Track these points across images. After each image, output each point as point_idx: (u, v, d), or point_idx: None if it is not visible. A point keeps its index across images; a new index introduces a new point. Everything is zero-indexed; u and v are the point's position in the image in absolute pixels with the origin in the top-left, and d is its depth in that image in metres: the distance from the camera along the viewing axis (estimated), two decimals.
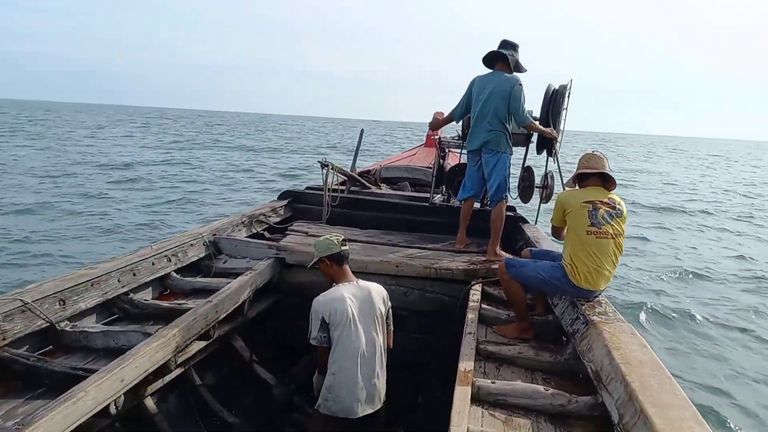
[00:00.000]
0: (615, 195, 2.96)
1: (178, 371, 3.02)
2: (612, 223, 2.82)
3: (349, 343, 2.71)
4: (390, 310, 3.01)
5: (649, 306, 7.33)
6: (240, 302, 3.52)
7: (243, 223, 4.88)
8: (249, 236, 4.76)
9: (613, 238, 2.81)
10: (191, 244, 4.04)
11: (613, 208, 2.86)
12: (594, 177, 2.99)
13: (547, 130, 4.44)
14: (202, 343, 3.19)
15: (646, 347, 2.26)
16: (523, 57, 4.37)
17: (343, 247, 2.93)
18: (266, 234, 5.02)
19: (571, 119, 4.66)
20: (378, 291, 2.93)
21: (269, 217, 5.32)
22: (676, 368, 5.34)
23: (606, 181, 2.98)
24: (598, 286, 2.84)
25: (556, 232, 3.19)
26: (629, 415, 1.84)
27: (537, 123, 4.46)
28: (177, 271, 3.81)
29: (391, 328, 3.04)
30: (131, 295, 3.31)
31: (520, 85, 4.21)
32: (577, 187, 3.08)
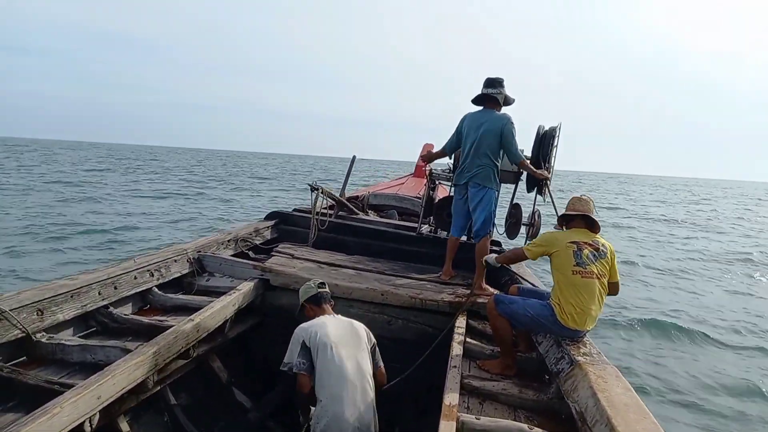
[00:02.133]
0: (600, 237, 3.06)
1: (155, 389, 2.95)
2: (596, 263, 2.90)
3: (334, 368, 2.68)
4: (375, 347, 3.01)
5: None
6: (221, 322, 3.46)
7: (228, 241, 4.83)
8: (234, 255, 4.71)
9: (598, 279, 2.88)
10: (175, 260, 3.99)
11: (597, 249, 2.95)
12: (578, 220, 3.09)
13: (538, 171, 4.51)
14: (181, 362, 3.12)
15: (630, 391, 2.27)
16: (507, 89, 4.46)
17: (320, 289, 3.07)
18: (251, 254, 4.97)
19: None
20: (360, 325, 2.99)
21: (255, 237, 5.28)
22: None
23: (591, 225, 3.08)
24: (584, 326, 2.87)
25: (517, 257, 3.37)
26: None
27: (528, 162, 4.53)
28: (159, 286, 3.74)
29: (380, 364, 3.02)
30: (111, 308, 3.24)
31: (512, 123, 4.31)
32: (563, 229, 3.15)
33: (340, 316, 3.03)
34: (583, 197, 3.18)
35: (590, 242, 2.97)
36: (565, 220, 3.17)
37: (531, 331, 3.25)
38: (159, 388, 3.08)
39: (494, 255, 3.69)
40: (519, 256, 3.33)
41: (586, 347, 2.83)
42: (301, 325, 2.87)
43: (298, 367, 2.72)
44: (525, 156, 4.80)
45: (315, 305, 3.04)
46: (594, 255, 2.92)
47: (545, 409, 2.64)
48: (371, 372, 2.85)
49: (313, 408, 2.75)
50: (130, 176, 32.90)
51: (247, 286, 3.86)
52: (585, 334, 2.94)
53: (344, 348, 2.76)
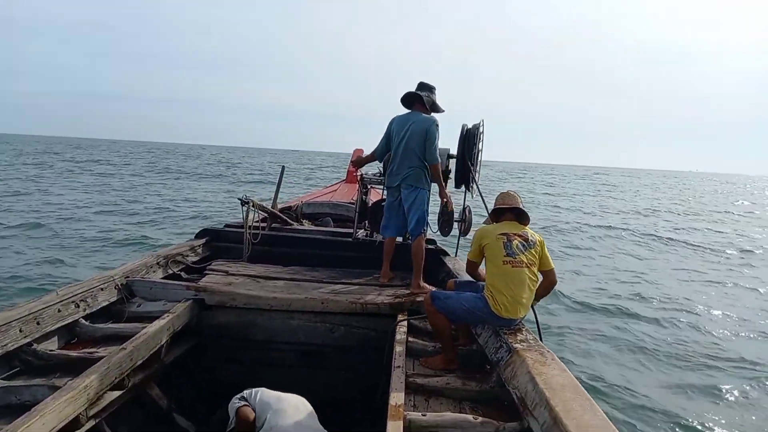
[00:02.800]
0: (529, 229, 3.20)
1: (89, 425, 2.79)
2: (525, 253, 3.02)
3: (274, 395, 2.76)
4: None
5: None
6: (156, 348, 3.33)
7: (158, 263, 4.65)
8: (165, 277, 4.54)
9: (528, 267, 3.00)
10: (101, 288, 3.79)
11: (526, 240, 3.08)
12: (509, 213, 3.22)
13: (443, 186, 4.69)
14: (116, 394, 2.97)
15: (566, 371, 2.38)
16: (440, 98, 4.59)
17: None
18: (183, 275, 4.80)
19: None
20: None
21: (186, 256, 5.10)
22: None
23: (520, 217, 3.21)
24: (517, 314, 2.98)
25: (471, 268, 3.39)
26: None
27: (439, 165, 4.60)
28: (86, 317, 3.55)
29: None
30: (35, 345, 3.04)
31: (437, 125, 4.43)
32: (494, 223, 3.28)
33: None
34: (510, 192, 3.33)
35: (519, 233, 3.10)
36: (496, 215, 3.30)
37: (469, 323, 3.34)
38: (94, 423, 2.92)
39: (459, 279, 3.74)
40: (470, 265, 3.41)
41: (522, 334, 2.95)
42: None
43: (237, 405, 2.75)
44: (449, 154, 4.95)
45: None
46: (523, 245, 3.04)
47: (489, 398, 2.72)
48: None
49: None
50: None
51: (181, 308, 3.73)
52: (520, 322, 3.06)
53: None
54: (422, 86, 4.57)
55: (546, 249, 3.16)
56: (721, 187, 72.24)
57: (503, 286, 2.97)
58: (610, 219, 22.09)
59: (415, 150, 4.41)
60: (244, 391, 2.98)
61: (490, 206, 3.47)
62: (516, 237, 3.07)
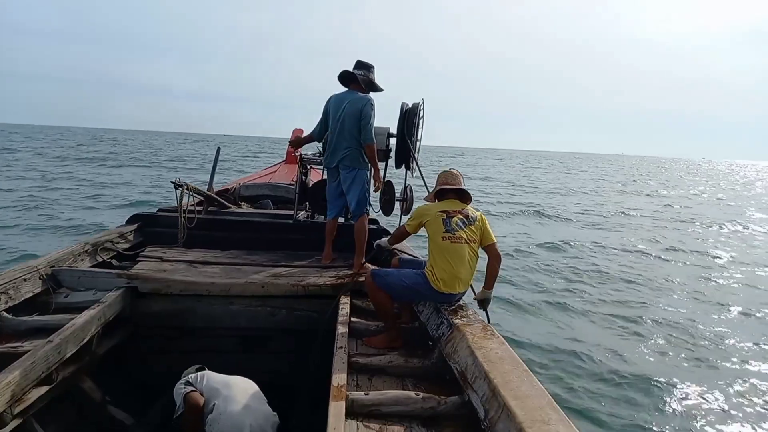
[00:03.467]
0: (470, 207, 3.23)
1: (14, 423, 2.63)
2: (465, 229, 3.06)
3: (222, 379, 2.72)
4: None
5: None
6: (87, 339, 3.18)
7: (86, 251, 4.41)
8: (94, 266, 4.32)
9: (467, 243, 3.05)
10: (24, 279, 3.56)
11: (467, 216, 3.11)
12: (451, 192, 3.25)
13: (377, 168, 4.62)
14: (44, 389, 2.82)
15: (504, 344, 2.45)
16: (379, 77, 4.54)
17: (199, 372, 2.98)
18: (114, 262, 4.59)
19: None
20: None
21: (117, 243, 4.87)
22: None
23: (461, 196, 3.25)
24: (455, 289, 3.03)
25: (400, 235, 3.48)
26: (494, 410, 1.97)
27: (374, 146, 4.48)
28: (8, 310, 3.33)
29: None
30: None
31: (371, 105, 4.36)
32: (436, 201, 3.30)
33: None
34: (453, 171, 3.34)
35: (460, 210, 3.14)
36: (438, 196, 3.31)
37: (410, 300, 3.38)
38: (20, 420, 2.76)
39: (385, 238, 3.74)
40: (403, 233, 3.44)
41: (463, 310, 3.01)
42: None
43: (185, 391, 2.64)
44: (389, 133, 4.93)
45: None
46: (463, 222, 3.08)
47: (431, 375, 2.76)
48: None
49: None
50: None
51: (112, 297, 3.57)
52: (460, 298, 3.12)
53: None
54: (359, 65, 4.49)
55: (487, 224, 3.19)
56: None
57: (442, 262, 3.01)
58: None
59: (351, 130, 4.35)
60: (189, 376, 2.89)
61: (431, 185, 3.48)
62: (456, 214, 3.10)
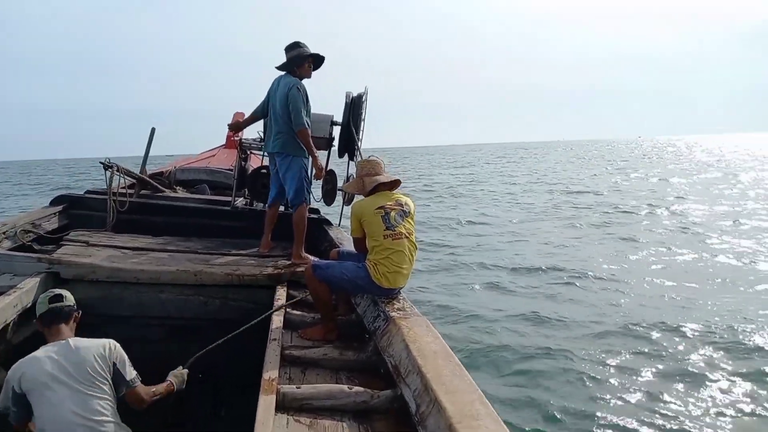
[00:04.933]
0: (400, 194, 3.17)
1: None
2: (403, 223, 3.02)
3: (54, 413, 2.19)
4: (123, 365, 2.42)
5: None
6: (1, 327, 2.97)
7: (4, 234, 4.12)
8: (13, 249, 4.03)
9: (407, 237, 3.01)
10: None
11: (402, 207, 3.06)
12: (381, 185, 3.17)
13: (315, 154, 4.34)
14: None
15: (438, 338, 2.44)
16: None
17: (52, 304, 2.46)
18: (35, 245, 4.30)
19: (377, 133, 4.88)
20: (94, 345, 2.38)
21: (39, 225, 4.56)
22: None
23: (391, 184, 3.19)
24: (397, 284, 3.01)
25: (359, 244, 3.27)
26: (425, 404, 1.96)
27: (307, 131, 4.20)
28: None
29: (133, 384, 2.43)
30: None
31: (298, 88, 4.14)
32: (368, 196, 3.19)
33: (72, 340, 2.38)
34: (372, 158, 3.26)
35: (394, 203, 3.06)
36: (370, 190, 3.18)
37: (349, 293, 3.33)
38: None
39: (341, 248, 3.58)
40: (356, 242, 3.26)
41: (399, 303, 2.98)
42: (13, 366, 2.32)
43: (14, 418, 2.26)
44: (333, 121, 4.83)
45: (45, 326, 2.44)
46: (401, 215, 3.02)
47: (365, 368, 2.73)
48: (108, 406, 2.30)
49: None
50: None
51: (31, 283, 3.35)
52: (399, 292, 3.10)
53: (64, 385, 2.23)
54: (287, 47, 4.26)
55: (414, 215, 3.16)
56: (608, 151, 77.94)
57: (385, 258, 2.96)
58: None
59: (282, 115, 4.18)
60: (17, 380, 2.26)
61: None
62: (393, 208, 3.03)
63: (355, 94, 4.87)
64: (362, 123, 4.87)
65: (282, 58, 4.27)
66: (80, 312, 2.59)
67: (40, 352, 2.31)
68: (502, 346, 6.00)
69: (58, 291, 2.56)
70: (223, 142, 9.74)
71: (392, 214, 3.00)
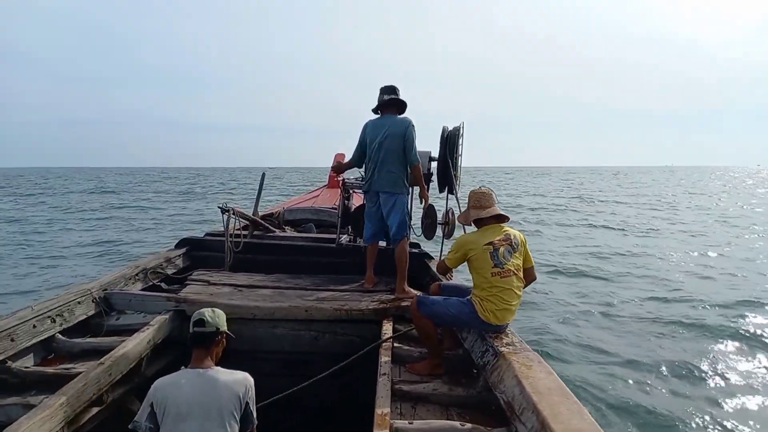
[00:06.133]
0: (509, 228, 3.08)
1: None
2: (512, 259, 2.95)
3: None
4: (249, 405, 2.42)
5: None
6: (136, 361, 3.25)
7: (136, 275, 4.56)
8: (144, 289, 4.45)
9: (515, 274, 2.94)
10: (78, 302, 3.70)
11: (511, 243, 2.98)
12: (489, 218, 3.09)
13: (425, 187, 4.67)
14: (95, 410, 2.89)
15: (552, 374, 2.36)
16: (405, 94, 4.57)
17: (196, 328, 2.46)
18: (163, 286, 4.72)
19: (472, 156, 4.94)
20: (230, 381, 2.39)
21: (166, 267, 5.01)
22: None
23: (499, 218, 3.11)
24: (505, 320, 2.95)
25: (444, 269, 3.27)
26: None
27: (420, 167, 4.53)
28: (63, 332, 3.46)
29: (254, 423, 2.45)
30: (9, 363, 2.94)
31: (413, 126, 4.40)
32: (473, 227, 3.18)
33: (207, 371, 2.39)
34: (483, 189, 3.17)
35: (503, 238, 2.98)
36: (476, 222, 3.15)
37: (455, 328, 3.31)
38: None
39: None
40: (444, 268, 3.29)
41: (508, 337, 2.92)
42: (160, 379, 2.38)
43: (143, 429, 2.29)
44: (431, 157, 4.93)
45: (191, 348, 2.46)
46: (509, 251, 2.95)
47: (476, 404, 2.69)
48: None
49: None
50: None
51: (161, 320, 3.66)
52: (507, 326, 3.03)
53: (194, 420, 2.27)
54: (391, 89, 4.50)
55: (527, 246, 3.08)
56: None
57: (491, 295, 2.91)
58: None
59: (394, 155, 4.36)
60: (157, 399, 2.30)
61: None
62: (501, 244, 2.96)
63: (451, 128, 4.94)
64: (459, 158, 4.91)
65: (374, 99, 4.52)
66: (225, 335, 2.56)
67: (182, 378, 2.34)
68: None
69: (205, 313, 2.51)
70: (325, 182, 10.20)
71: (501, 250, 2.94)
